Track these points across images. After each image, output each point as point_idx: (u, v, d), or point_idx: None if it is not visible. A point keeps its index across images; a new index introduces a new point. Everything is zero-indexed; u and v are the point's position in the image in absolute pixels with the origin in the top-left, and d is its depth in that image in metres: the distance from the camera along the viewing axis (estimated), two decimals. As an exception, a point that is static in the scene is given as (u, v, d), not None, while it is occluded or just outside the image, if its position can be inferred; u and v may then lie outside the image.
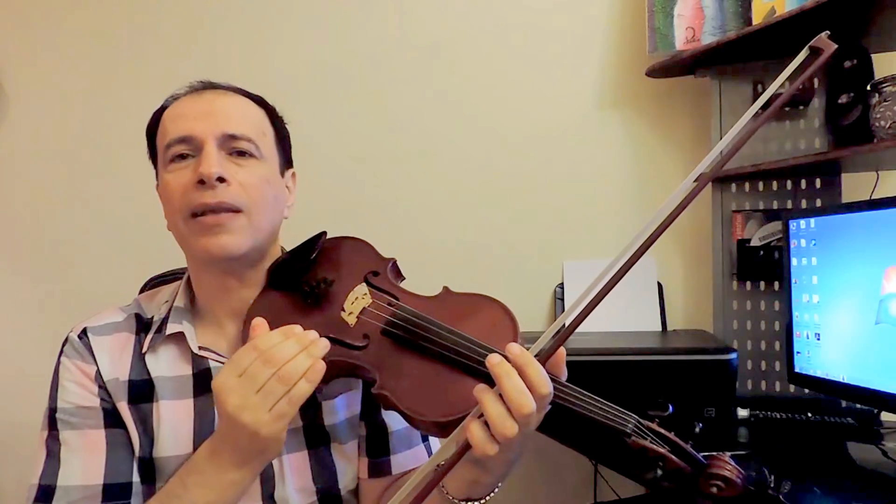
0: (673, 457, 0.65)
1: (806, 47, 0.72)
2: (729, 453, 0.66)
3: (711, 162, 0.68)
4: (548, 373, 0.64)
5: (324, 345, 0.69)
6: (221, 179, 0.77)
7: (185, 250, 0.85)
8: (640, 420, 0.68)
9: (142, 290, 1.17)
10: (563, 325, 0.66)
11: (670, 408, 0.70)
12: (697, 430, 0.68)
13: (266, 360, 0.66)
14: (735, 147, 0.65)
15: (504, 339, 0.70)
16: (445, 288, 0.82)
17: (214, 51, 1.87)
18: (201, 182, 0.76)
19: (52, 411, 0.81)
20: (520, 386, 0.62)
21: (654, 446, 0.66)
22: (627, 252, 0.64)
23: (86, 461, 0.79)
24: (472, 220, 1.78)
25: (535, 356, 0.64)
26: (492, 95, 1.77)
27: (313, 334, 0.69)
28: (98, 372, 0.82)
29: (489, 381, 0.64)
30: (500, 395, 0.62)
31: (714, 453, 0.66)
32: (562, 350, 0.68)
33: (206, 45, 1.88)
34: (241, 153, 0.80)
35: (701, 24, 1.52)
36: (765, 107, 0.68)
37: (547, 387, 0.63)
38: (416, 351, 0.74)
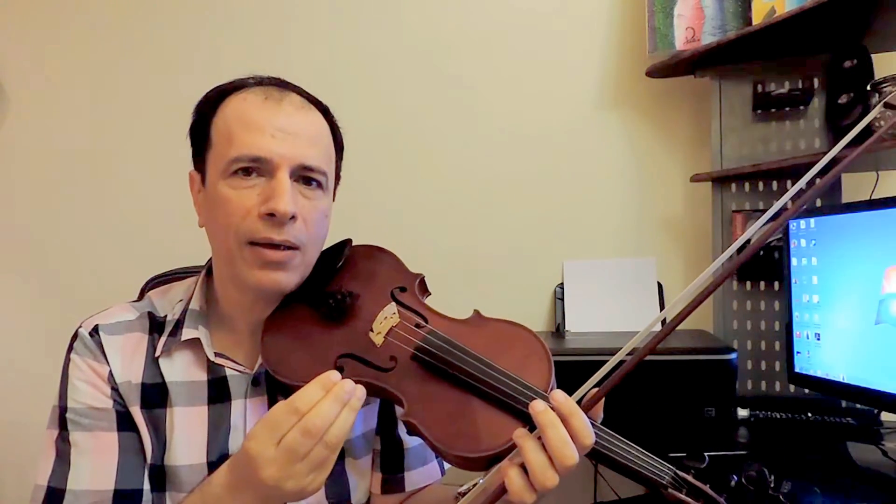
0: None
1: (881, 103, 0.72)
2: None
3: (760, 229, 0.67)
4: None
5: (361, 394, 0.65)
6: (293, 217, 0.74)
7: (224, 266, 0.81)
8: (677, 472, 0.67)
9: (142, 290, 1.16)
10: (609, 370, 0.64)
11: (706, 458, 0.69)
12: (733, 483, 0.68)
13: (307, 430, 0.61)
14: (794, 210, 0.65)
15: (538, 372, 0.69)
16: (476, 312, 0.79)
17: (216, 52, 1.87)
18: (271, 215, 0.72)
19: (63, 410, 0.78)
20: (564, 437, 0.60)
21: (689, 499, 0.65)
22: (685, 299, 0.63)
23: (96, 465, 0.76)
24: (472, 220, 1.78)
25: (577, 402, 0.63)
26: (492, 96, 1.77)
27: (350, 384, 0.64)
28: (111, 373, 0.78)
29: (522, 417, 0.63)
30: (541, 442, 0.61)
31: None
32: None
33: (208, 46, 1.88)
34: (309, 182, 0.77)
35: (701, 24, 1.52)
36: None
37: (590, 437, 0.62)
38: (446, 379, 0.71)
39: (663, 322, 0.66)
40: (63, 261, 1.96)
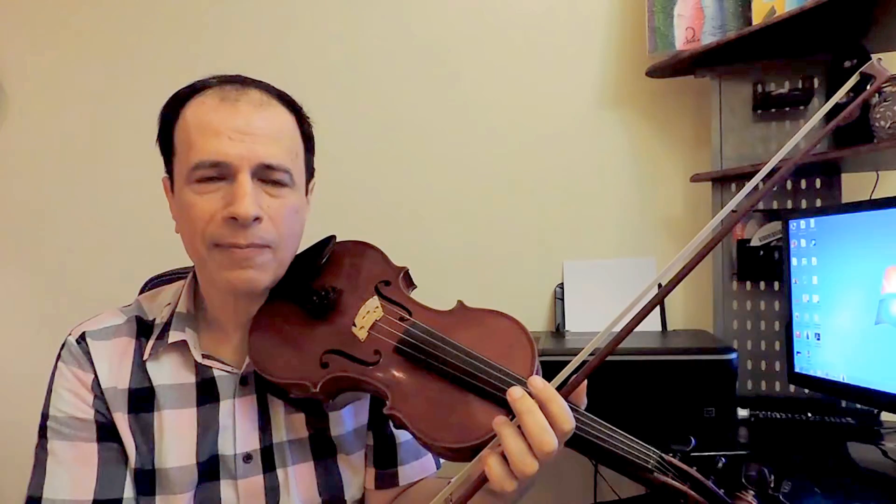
0: (694, 494, 0.64)
1: (857, 73, 0.71)
2: (752, 492, 0.65)
3: (747, 195, 0.66)
4: (569, 403, 0.62)
5: None
6: (256, 218, 0.73)
7: (199, 270, 0.82)
8: (663, 455, 0.67)
9: (142, 291, 1.16)
10: (587, 355, 0.63)
11: (692, 441, 0.68)
12: (720, 465, 0.67)
13: None
14: (773, 182, 0.64)
15: (521, 361, 0.68)
16: (460, 302, 0.79)
17: (217, 51, 1.87)
18: (233, 218, 0.72)
19: (44, 419, 0.78)
20: (542, 423, 0.60)
21: (676, 483, 0.65)
22: (659, 280, 0.62)
23: (76, 475, 0.76)
24: (472, 219, 1.78)
25: (557, 388, 0.62)
26: (492, 96, 1.77)
27: None
28: (96, 380, 0.79)
29: (506, 406, 0.62)
30: (520, 429, 0.60)
31: (738, 492, 0.65)
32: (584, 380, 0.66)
33: (209, 46, 1.88)
34: (275, 182, 0.76)
35: (701, 24, 1.52)
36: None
37: (570, 423, 0.61)
38: (429, 371, 0.71)
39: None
40: (63, 261, 1.96)
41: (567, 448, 0.65)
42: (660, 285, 0.65)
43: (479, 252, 1.77)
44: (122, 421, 0.79)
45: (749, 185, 0.65)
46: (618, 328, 0.63)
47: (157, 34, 1.92)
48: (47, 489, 0.75)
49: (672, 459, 0.67)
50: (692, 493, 0.64)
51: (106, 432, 0.79)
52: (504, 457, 0.60)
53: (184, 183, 0.76)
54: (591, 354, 0.64)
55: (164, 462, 0.78)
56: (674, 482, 0.65)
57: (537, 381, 0.62)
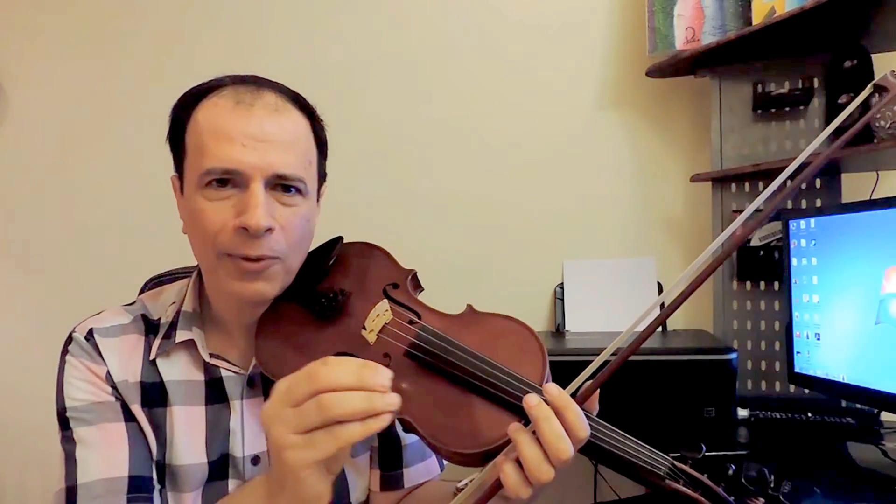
0: (706, 501, 0.64)
1: (870, 84, 0.71)
2: (762, 500, 0.65)
3: (764, 200, 0.67)
4: (582, 410, 0.62)
5: (382, 425, 0.58)
6: (268, 229, 0.72)
7: (207, 275, 0.81)
8: (674, 462, 0.67)
9: (141, 291, 1.16)
10: (602, 363, 0.64)
11: (703, 448, 0.68)
12: (730, 472, 0.67)
13: (311, 375, 0.58)
14: (785, 193, 0.65)
15: (532, 365, 0.68)
16: (469, 306, 0.78)
17: (214, 53, 1.87)
18: (244, 229, 0.71)
19: (62, 411, 0.77)
20: (558, 430, 0.60)
21: (687, 490, 0.65)
22: (677, 288, 0.63)
23: (106, 454, 0.75)
24: (473, 219, 1.78)
25: (571, 395, 0.62)
26: (492, 96, 1.77)
27: (391, 403, 0.58)
28: (108, 373, 0.78)
29: (517, 411, 0.62)
30: (535, 436, 0.60)
31: (747, 499, 0.65)
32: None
33: (206, 47, 1.88)
34: (288, 189, 0.75)
35: (701, 24, 1.52)
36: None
37: (585, 430, 0.61)
38: (439, 375, 0.70)
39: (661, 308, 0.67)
40: (63, 260, 1.96)
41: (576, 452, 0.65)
42: (663, 304, 0.66)
43: (480, 252, 1.77)
44: (139, 412, 0.78)
45: (756, 202, 0.66)
46: (640, 328, 0.64)
47: (157, 34, 1.92)
48: (80, 475, 0.74)
49: (683, 467, 0.67)
50: (703, 500, 0.64)
51: (129, 414, 0.78)
52: (519, 463, 0.61)
53: (195, 187, 0.74)
54: (611, 355, 0.64)
55: (174, 459, 0.78)
56: (685, 489, 0.65)
57: (553, 389, 0.62)
